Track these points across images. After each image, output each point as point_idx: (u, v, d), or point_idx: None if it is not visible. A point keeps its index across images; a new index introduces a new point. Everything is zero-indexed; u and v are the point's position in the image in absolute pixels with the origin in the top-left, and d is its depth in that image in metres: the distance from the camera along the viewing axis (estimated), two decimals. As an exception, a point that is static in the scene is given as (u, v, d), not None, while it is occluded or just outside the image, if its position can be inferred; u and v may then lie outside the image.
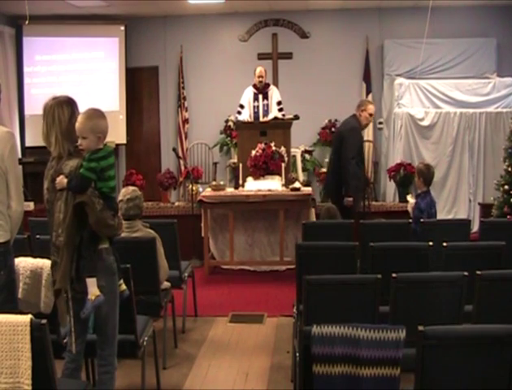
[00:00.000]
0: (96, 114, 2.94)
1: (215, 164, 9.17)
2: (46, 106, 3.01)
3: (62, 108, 2.97)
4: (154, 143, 9.65)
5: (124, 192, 4.17)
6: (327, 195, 6.64)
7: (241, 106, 7.40)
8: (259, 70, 7.39)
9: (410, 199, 5.55)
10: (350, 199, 6.08)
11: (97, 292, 2.88)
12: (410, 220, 5.08)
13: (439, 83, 8.41)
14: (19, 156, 7.85)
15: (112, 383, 3.06)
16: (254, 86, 7.40)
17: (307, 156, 8.79)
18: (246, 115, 7.28)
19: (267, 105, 7.35)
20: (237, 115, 7.37)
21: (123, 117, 9.16)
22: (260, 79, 7.35)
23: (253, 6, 8.73)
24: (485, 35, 8.79)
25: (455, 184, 8.19)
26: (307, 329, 2.40)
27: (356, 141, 5.97)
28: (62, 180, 2.88)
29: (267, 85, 7.47)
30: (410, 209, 5.45)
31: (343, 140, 6.04)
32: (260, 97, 7.37)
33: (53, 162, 2.98)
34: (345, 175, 5.90)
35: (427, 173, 5.29)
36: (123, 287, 3.11)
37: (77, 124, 2.89)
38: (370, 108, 6.17)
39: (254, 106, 7.36)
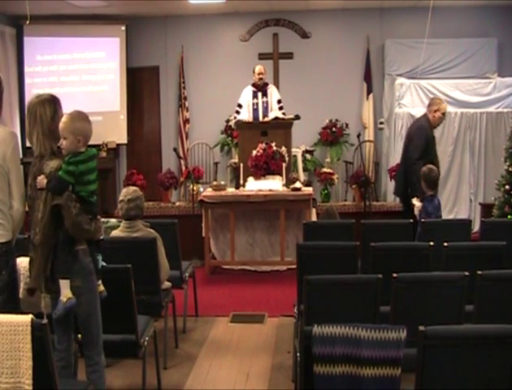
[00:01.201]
0: (79, 117, 2.94)
1: (216, 164, 9.18)
2: (29, 105, 3.02)
3: (44, 107, 2.97)
4: (154, 143, 9.65)
5: (125, 193, 4.17)
6: (395, 194, 6.57)
7: (240, 106, 7.39)
8: (259, 67, 7.37)
9: (416, 202, 5.52)
10: (416, 199, 5.97)
11: (70, 295, 2.89)
12: (411, 220, 5.07)
13: (440, 83, 8.41)
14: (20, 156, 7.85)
15: (102, 382, 3.07)
16: (253, 85, 7.38)
17: (308, 156, 8.79)
18: (245, 115, 7.26)
19: (267, 102, 7.33)
20: (236, 115, 7.35)
21: (123, 117, 9.16)
22: (260, 76, 7.30)
23: (254, 6, 8.73)
24: (486, 35, 8.78)
25: (456, 183, 8.18)
26: (308, 329, 2.40)
27: (421, 142, 5.81)
28: (42, 180, 2.90)
29: (266, 84, 7.46)
30: (417, 212, 5.42)
31: (410, 141, 5.97)
32: (259, 94, 7.35)
33: (36, 160, 3.00)
34: (411, 176, 5.80)
35: (428, 176, 5.23)
36: (101, 288, 3.10)
37: (60, 124, 2.91)
38: (443, 107, 6.00)
39: (254, 104, 7.32)
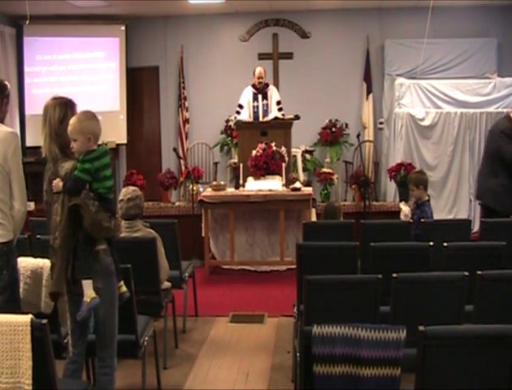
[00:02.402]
0: (86, 116, 2.94)
1: (216, 164, 9.18)
2: (45, 106, 3.03)
3: (54, 109, 2.97)
4: (154, 143, 9.65)
5: (125, 192, 4.17)
6: (478, 198, 6.00)
7: (240, 106, 7.39)
8: (259, 70, 7.38)
9: (403, 207, 5.49)
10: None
11: (93, 295, 2.88)
12: (411, 220, 5.06)
13: (439, 83, 8.41)
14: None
15: (111, 385, 3.05)
16: (254, 86, 7.39)
17: (308, 156, 8.79)
18: (245, 115, 7.27)
19: (267, 104, 7.34)
20: (236, 115, 7.36)
21: (123, 117, 9.16)
22: (260, 80, 7.33)
23: (254, 6, 8.73)
24: (486, 35, 8.79)
25: (456, 183, 8.18)
26: (308, 329, 2.40)
27: (493, 145, 5.47)
28: (58, 183, 2.89)
29: (267, 85, 7.47)
30: (403, 217, 5.37)
31: (501, 145, 5.51)
32: (259, 97, 7.36)
33: (50, 164, 2.99)
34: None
35: (423, 178, 5.11)
36: (124, 289, 3.10)
37: (68, 127, 2.91)
38: None
39: (254, 106, 7.34)
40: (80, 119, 2.91)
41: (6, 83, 3.31)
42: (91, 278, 2.90)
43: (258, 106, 7.34)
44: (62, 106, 2.99)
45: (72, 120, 2.92)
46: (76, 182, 2.86)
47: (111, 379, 3.05)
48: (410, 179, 5.30)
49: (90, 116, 2.96)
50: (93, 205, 2.86)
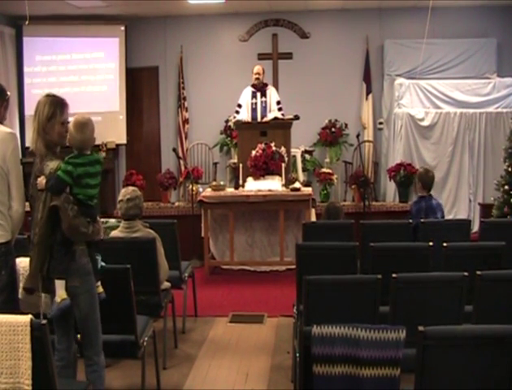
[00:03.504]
0: (79, 128, 2.99)
1: (215, 164, 9.18)
2: (37, 101, 3.03)
3: (44, 106, 2.97)
4: (154, 143, 9.65)
5: (124, 193, 4.17)
6: None
7: (239, 106, 7.40)
8: (257, 68, 7.40)
9: None
10: None
11: (64, 296, 2.90)
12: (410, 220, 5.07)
13: (439, 83, 8.42)
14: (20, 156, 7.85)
15: (101, 382, 3.07)
16: (253, 85, 7.39)
17: (307, 156, 8.79)
18: (244, 115, 7.28)
19: (265, 102, 7.33)
20: (235, 115, 7.37)
21: (123, 117, 9.16)
22: (257, 76, 7.32)
23: (254, 6, 8.73)
24: (485, 35, 8.79)
25: (455, 184, 8.19)
26: (307, 329, 2.40)
27: None
28: (41, 181, 2.91)
29: (265, 85, 7.47)
30: None
31: None
32: (258, 94, 7.36)
33: (37, 160, 3.01)
34: None
35: (425, 177, 5.25)
36: (100, 289, 3.10)
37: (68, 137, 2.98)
38: None
39: (252, 103, 7.33)
40: (77, 131, 2.96)
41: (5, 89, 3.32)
42: (64, 278, 2.91)
43: (256, 103, 7.34)
44: (52, 104, 2.97)
45: (70, 134, 2.97)
46: (57, 181, 2.88)
47: (100, 375, 3.06)
48: (417, 172, 5.51)
49: (82, 127, 2.98)
50: (72, 210, 2.87)
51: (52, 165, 2.93)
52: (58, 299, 2.90)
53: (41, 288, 2.98)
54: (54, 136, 2.94)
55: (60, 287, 2.90)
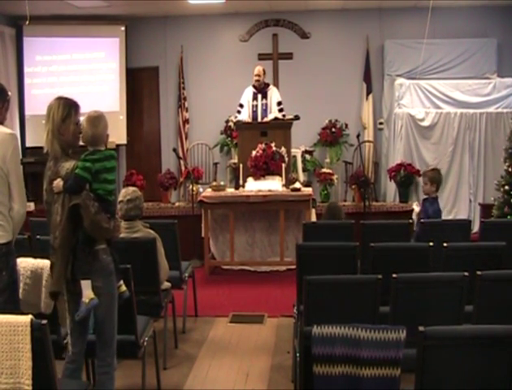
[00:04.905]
0: (93, 123, 3.02)
1: (216, 164, 9.18)
2: (49, 105, 3.04)
3: (58, 108, 2.98)
4: (154, 143, 9.65)
5: (124, 193, 4.17)
6: None
7: (241, 106, 7.40)
8: (257, 69, 7.38)
9: (416, 207, 5.52)
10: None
11: (92, 295, 2.90)
12: (410, 220, 5.07)
13: (439, 83, 8.41)
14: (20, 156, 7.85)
15: (111, 384, 3.06)
16: (254, 86, 7.39)
17: (308, 156, 8.79)
18: (245, 115, 7.27)
19: (266, 104, 7.33)
20: (237, 115, 7.37)
21: (123, 117, 9.16)
22: (257, 77, 7.31)
23: (254, 6, 8.73)
24: (485, 35, 8.79)
25: (455, 184, 8.18)
26: (308, 329, 2.40)
27: None
28: (58, 183, 2.90)
29: (267, 85, 7.46)
30: (415, 217, 5.42)
31: None
32: (259, 96, 7.36)
33: (50, 163, 2.99)
34: None
35: (438, 178, 5.26)
36: (123, 288, 3.11)
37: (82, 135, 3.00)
38: None
39: (253, 105, 7.34)
40: (91, 127, 3.00)
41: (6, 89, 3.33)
42: (90, 278, 2.91)
43: (257, 105, 7.34)
44: (66, 106, 3.00)
45: (83, 131, 3.00)
46: (77, 180, 2.87)
47: (111, 378, 3.06)
48: (425, 173, 5.45)
49: (97, 123, 3.01)
50: (93, 206, 2.88)
51: (68, 165, 2.93)
52: (86, 299, 2.88)
53: (65, 290, 2.97)
54: (68, 137, 2.95)
55: (86, 287, 2.89)
